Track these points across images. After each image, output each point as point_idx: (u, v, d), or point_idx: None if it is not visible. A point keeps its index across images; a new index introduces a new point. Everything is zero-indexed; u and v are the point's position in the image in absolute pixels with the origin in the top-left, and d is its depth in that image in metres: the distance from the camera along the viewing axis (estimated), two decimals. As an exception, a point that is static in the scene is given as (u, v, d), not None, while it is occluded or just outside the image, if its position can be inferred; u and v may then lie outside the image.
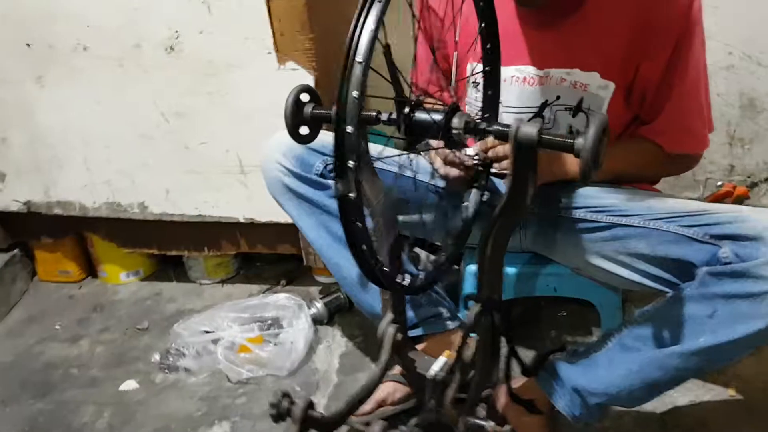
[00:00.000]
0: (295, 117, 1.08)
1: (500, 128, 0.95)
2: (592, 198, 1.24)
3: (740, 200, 1.99)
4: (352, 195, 0.84)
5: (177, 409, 1.47)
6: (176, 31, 1.49)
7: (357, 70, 0.81)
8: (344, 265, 1.34)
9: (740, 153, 2.10)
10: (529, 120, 1.28)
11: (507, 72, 1.26)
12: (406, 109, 0.97)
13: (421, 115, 0.97)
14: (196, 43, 1.50)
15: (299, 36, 1.43)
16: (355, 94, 0.81)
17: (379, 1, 0.82)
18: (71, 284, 2.00)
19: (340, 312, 1.73)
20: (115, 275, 1.98)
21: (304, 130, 1.09)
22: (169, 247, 1.83)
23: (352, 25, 0.80)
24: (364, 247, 0.89)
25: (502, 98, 1.21)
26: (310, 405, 1.00)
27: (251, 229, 1.73)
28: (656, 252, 1.14)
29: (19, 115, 1.70)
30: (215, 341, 1.63)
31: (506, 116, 1.29)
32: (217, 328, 1.64)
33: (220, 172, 1.63)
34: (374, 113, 1.01)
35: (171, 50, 1.51)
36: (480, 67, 1.15)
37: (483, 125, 0.97)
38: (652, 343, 1.10)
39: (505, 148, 1.15)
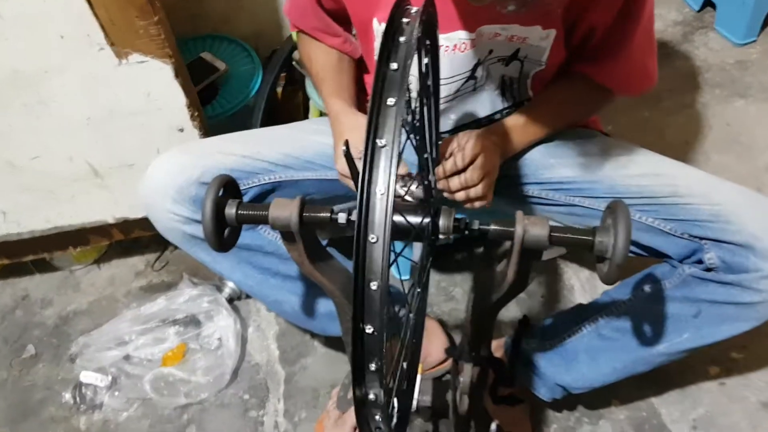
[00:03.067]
0: (218, 226, 0.82)
1: (500, 228, 0.78)
2: (545, 170, 1.11)
3: None
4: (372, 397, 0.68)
5: (124, 462, 1.33)
6: (-47, 43, 1.02)
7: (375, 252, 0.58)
8: (284, 299, 1.16)
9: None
10: (464, 84, 1.08)
11: None
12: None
13: (398, 219, 0.77)
14: (-12, 53, 1.04)
15: (140, 22, 1.03)
16: (374, 286, 0.58)
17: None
18: None
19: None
20: (-42, 285, 1.62)
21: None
22: (24, 254, 1.48)
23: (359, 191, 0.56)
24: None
25: (430, 71, 0.99)
26: None
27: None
28: (623, 233, 1.08)
29: None
30: (127, 358, 1.44)
31: (434, 89, 1.08)
32: (124, 344, 1.44)
33: (68, 182, 1.28)
34: (327, 214, 0.80)
35: (-46, 66, 1.05)
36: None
37: (476, 224, 0.79)
38: (632, 335, 1.09)
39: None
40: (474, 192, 0.95)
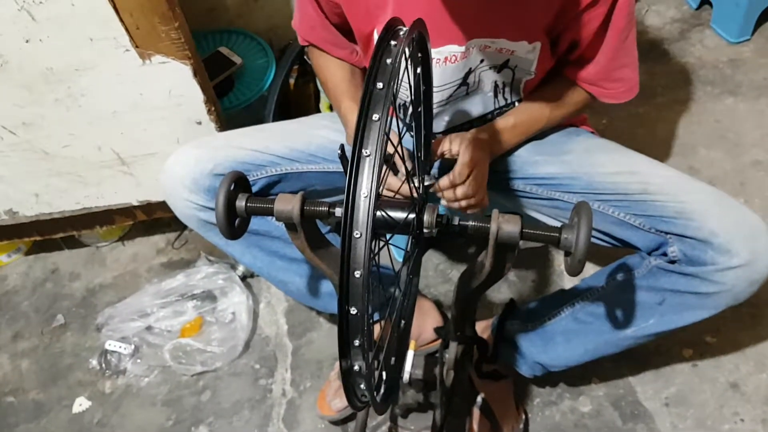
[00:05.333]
0: (229, 217, 0.93)
1: (477, 224, 0.88)
2: (530, 166, 1.20)
3: None
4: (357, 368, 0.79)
5: (145, 422, 1.46)
6: (-8, 45, 1.14)
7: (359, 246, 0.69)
8: (290, 280, 1.27)
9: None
10: (456, 90, 1.17)
11: None
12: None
13: (385, 214, 0.88)
14: (24, 53, 1.16)
15: (161, 27, 1.14)
16: (357, 274, 0.69)
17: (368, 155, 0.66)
18: (-55, 279, 1.76)
19: (265, 258, 1.67)
20: (-6, 259, 1.75)
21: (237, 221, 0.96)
22: (54, 232, 1.61)
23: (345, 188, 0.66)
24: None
25: (422, 81, 1.08)
26: None
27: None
28: (598, 226, 1.17)
29: None
30: (148, 329, 1.57)
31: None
32: (146, 316, 1.56)
33: (96, 168, 1.40)
34: (326, 208, 0.90)
35: (-8, 64, 1.16)
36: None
37: (457, 220, 0.90)
38: (604, 319, 1.18)
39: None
40: (466, 203, 1.05)
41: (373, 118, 0.68)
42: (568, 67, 1.16)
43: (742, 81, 1.80)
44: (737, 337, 1.41)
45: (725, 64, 1.84)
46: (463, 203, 1.05)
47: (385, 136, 0.68)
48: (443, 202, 1.07)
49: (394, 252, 1.60)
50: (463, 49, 1.07)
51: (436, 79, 1.12)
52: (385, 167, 1.02)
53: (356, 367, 0.73)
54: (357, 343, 0.71)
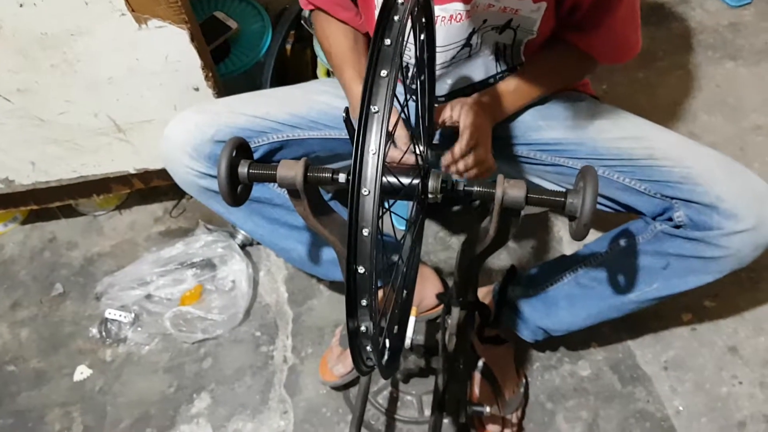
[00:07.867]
0: (231, 183, 0.91)
1: (482, 190, 0.88)
2: (534, 131, 1.19)
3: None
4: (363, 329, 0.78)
5: (146, 389, 1.46)
6: (-15, 9, 1.11)
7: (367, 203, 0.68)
8: (291, 247, 1.27)
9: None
10: (459, 51, 1.15)
11: None
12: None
13: (390, 179, 0.87)
14: (18, 18, 1.13)
15: (157, -10, 1.11)
16: (365, 232, 0.69)
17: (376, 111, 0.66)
18: (-59, 248, 1.74)
19: (264, 226, 1.66)
20: (-10, 228, 1.74)
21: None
22: (51, 200, 1.59)
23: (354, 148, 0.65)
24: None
25: (426, 40, 1.07)
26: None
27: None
28: (602, 192, 1.17)
29: None
30: (148, 297, 1.56)
31: (430, 56, 1.15)
32: (146, 284, 1.56)
33: (92, 135, 1.38)
34: (329, 174, 0.89)
35: (-15, 29, 1.13)
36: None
37: (462, 185, 0.89)
38: (607, 284, 1.19)
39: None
40: (475, 171, 1.03)
41: (382, 74, 0.67)
42: (568, 32, 1.15)
43: (742, 45, 1.78)
44: (736, 301, 1.42)
45: (726, 28, 1.83)
46: (472, 172, 1.04)
47: (393, 94, 0.67)
48: (454, 176, 1.05)
49: (396, 221, 1.60)
50: (468, 7, 1.06)
51: (441, 39, 1.11)
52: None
53: (363, 328, 0.73)
54: (364, 303, 0.70)
